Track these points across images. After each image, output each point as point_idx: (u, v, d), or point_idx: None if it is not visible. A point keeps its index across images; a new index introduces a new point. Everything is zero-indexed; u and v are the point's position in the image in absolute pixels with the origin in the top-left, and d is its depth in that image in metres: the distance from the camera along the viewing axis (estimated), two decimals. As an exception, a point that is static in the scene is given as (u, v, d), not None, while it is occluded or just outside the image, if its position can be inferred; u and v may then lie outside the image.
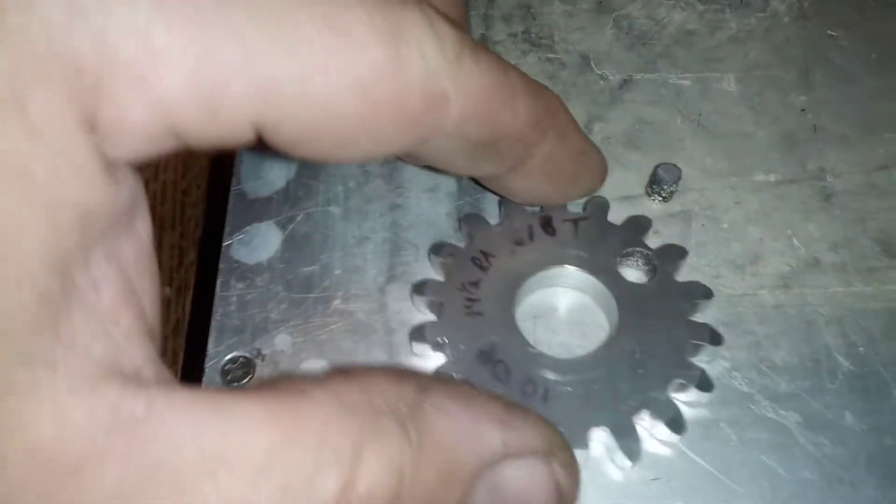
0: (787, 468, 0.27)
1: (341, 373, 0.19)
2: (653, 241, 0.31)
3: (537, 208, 0.31)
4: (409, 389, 0.19)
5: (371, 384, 0.18)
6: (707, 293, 0.30)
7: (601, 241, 0.31)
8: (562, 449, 0.21)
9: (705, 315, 0.30)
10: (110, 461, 0.15)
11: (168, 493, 0.15)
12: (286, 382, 0.18)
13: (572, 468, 0.21)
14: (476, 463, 0.19)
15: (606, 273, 0.30)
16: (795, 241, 0.32)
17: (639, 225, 0.31)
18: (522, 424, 0.20)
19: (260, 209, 0.33)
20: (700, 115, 0.36)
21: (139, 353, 0.17)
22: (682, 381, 0.28)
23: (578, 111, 0.35)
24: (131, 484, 0.15)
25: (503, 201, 0.32)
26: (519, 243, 0.30)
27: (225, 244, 0.32)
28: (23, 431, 0.15)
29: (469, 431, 0.19)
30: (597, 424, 0.27)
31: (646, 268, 0.31)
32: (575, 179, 0.30)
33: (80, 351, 0.16)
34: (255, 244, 0.32)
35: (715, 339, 0.29)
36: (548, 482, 0.20)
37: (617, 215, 0.32)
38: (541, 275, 0.30)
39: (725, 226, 0.33)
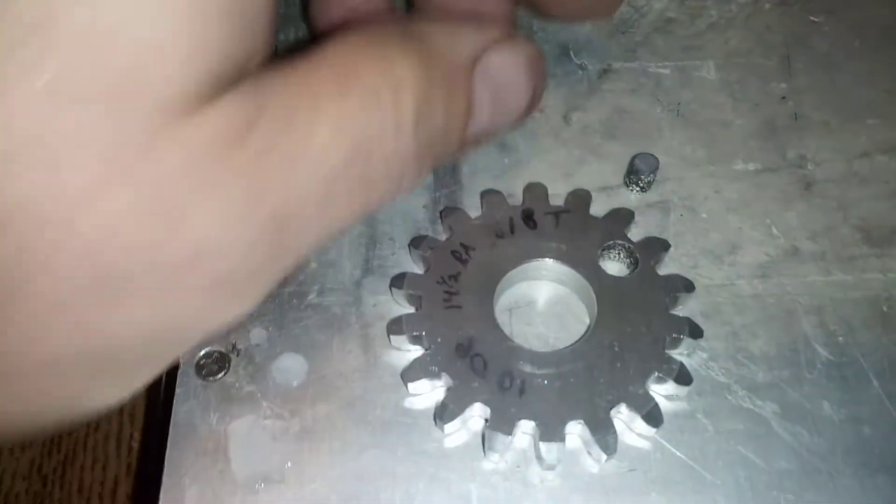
0: (763, 458, 0.27)
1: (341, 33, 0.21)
2: (633, 232, 0.31)
3: (518, 201, 0.31)
4: (401, 19, 0.23)
5: (369, 31, 0.21)
6: (688, 286, 0.30)
7: (582, 234, 0.30)
8: (518, 33, 0.26)
9: (685, 307, 0.30)
10: None
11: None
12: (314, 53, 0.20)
13: (532, 43, 0.25)
14: (467, 55, 0.23)
15: (587, 266, 0.30)
16: (775, 230, 0.32)
17: (620, 218, 0.31)
18: (486, 22, 0.25)
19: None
20: (679, 103, 0.36)
21: None
22: (660, 374, 0.28)
23: (557, 101, 0.35)
24: None
25: (484, 193, 0.32)
26: (500, 236, 0.30)
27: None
28: None
29: (452, 31, 0.23)
30: (573, 418, 0.27)
31: (627, 261, 0.31)
32: None
33: None
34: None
35: (694, 332, 0.29)
36: (522, 57, 0.24)
37: (595, 207, 0.31)
38: (521, 268, 0.30)
39: (704, 215, 0.33)
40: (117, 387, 0.19)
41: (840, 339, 0.30)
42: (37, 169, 0.15)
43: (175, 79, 0.16)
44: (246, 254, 0.18)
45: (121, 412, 0.46)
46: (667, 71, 0.37)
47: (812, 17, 0.39)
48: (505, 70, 0.24)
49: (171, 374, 0.29)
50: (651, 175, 0.32)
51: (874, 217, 0.33)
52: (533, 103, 0.26)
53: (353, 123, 0.19)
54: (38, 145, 0.15)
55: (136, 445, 0.45)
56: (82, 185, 0.15)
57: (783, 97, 0.36)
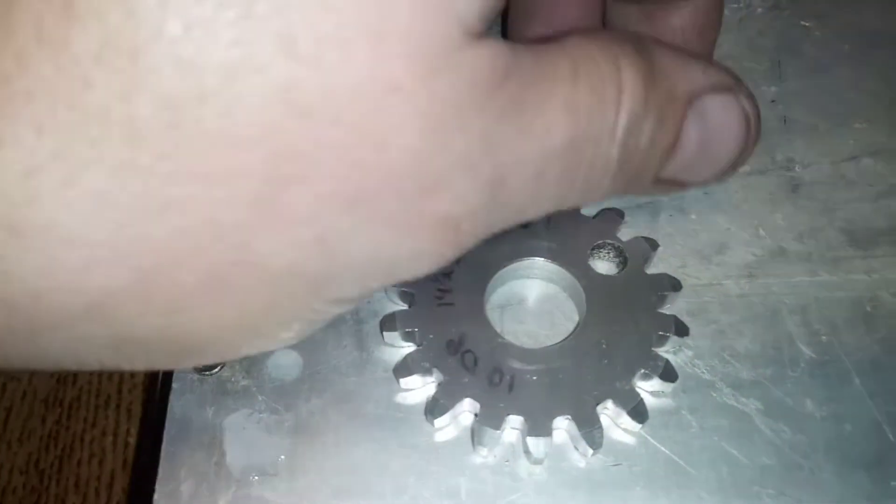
0: (746, 454, 0.28)
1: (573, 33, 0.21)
2: (622, 232, 0.32)
3: None
4: (632, 34, 0.22)
5: (602, 31, 0.21)
6: (675, 285, 0.30)
7: (573, 234, 0.31)
8: (745, 87, 0.25)
9: (673, 306, 0.31)
10: None
11: None
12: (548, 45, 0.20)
13: (754, 101, 0.24)
14: (688, 89, 0.22)
15: (577, 265, 0.31)
16: (762, 231, 0.33)
17: (611, 218, 0.32)
18: (716, 65, 0.24)
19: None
20: (671, 106, 0.36)
21: None
22: (646, 370, 0.28)
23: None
24: None
25: None
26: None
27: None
28: None
29: (681, 63, 0.22)
30: (561, 413, 0.27)
31: (616, 260, 0.31)
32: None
33: None
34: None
35: (680, 330, 0.29)
36: (739, 112, 0.23)
37: (586, 206, 0.32)
38: (512, 266, 0.31)
39: (693, 216, 0.33)
40: (303, 323, 0.19)
41: (823, 338, 0.30)
42: (346, 51, 0.14)
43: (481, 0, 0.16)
44: (470, 195, 0.18)
45: (117, 408, 0.47)
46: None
47: (803, 22, 0.40)
48: (721, 119, 0.23)
49: (167, 372, 0.30)
50: None
51: (859, 219, 0.33)
52: (739, 162, 0.25)
53: (579, 109, 0.19)
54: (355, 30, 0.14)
55: (132, 441, 0.45)
56: (381, 83, 0.15)
57: (773, 101, 0.37)
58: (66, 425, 0.46)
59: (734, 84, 0.24)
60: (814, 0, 0.40)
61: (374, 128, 0.15)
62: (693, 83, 0.22)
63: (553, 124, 0.18)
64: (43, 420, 0.46)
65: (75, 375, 0.47)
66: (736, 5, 0.40)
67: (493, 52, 0.17)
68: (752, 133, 0.25)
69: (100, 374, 0.47)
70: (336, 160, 0.15)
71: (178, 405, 0.29)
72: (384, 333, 0.30)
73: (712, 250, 0.32)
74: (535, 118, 0.18)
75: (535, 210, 0.21)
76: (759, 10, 0.40)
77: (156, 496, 0.27)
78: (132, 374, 0.47)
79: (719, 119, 0.23)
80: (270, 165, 0.15)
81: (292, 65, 0.14)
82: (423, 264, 0.19)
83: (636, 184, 0.23)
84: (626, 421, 0.28)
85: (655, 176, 0.23)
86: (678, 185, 0.25)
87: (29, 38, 0.13)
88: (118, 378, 0.47)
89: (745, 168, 0.35)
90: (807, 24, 0.39)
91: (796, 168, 0.35)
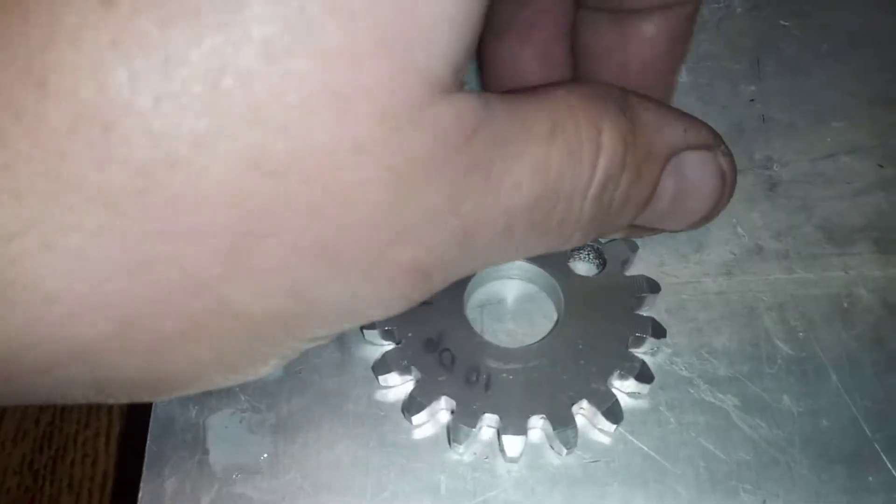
0: (723, 450, 0.28)
1: (558, 84, 0.21)
2: None
3: None
4: (616, 90, 0.22)
5: (587, 86, 0.22)
6: (654, 287, 0.31)
7: None
8: (723, 145, 0.26)
9: (651, 308, 0.31)
10: None
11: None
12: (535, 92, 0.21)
13: (731, 159, 0.26)
14: (667, 147, 0.23)
15: (555, 266, 0.31)
16: (739, 230, 0.33)
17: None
18: (697, 123, 0.25)
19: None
20: (651, 106, 0.37)
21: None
22: (622, 371, 0.28)
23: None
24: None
25: None
26: None
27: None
28: None
29: (662, 121, 0.23)
30: (536, 412, 0.28)
31: (596, 261, 0.31)
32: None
33: None
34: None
35: (658, 332, 0.30)
36: (716, 169, 0.25)
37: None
38: (492, 266, 0.31)
39: (672, 215, 0.34)
40: (279, 359, 0.20)
41: (801, 334, 0.31)
42: (320, 116, 0.15)
43: (447, 54, 0.16)
44: (438, 246, 0.18)
45: (110, 410, 0.47)
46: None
47: (782, 22, 0.40)
48: (697, 175, 0.24)
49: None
50: None
51: (836, 217, 0.34)
52: (712, 215, 0.26)
53: (550, 170, 0.19)
54: (328, 95, 0.15)
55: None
56: (347, 143, 0.16)
57: (752, 100, 0.37)
58: (59, 426, 0.46)
59: (713, 142, 0.25)
60: (793, 0, 0.41)
61: (342, 185, 0.16)
62: (673, 141, 0.23)
63: (522, 183, 0.19)
64: (36, 421, 0.47)
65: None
66: (716, 5, 0.40)
67: (461, 109, 0.17)
68: (727, 189, 0.26)
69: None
70: (306, 216, 0.16)
71: (162, 405, 0.29)
72: (364, 332, 0.30)
73: (690, 249, 0.33)
74: (503, 176, 0.19)
75: (504, 259, 0.21)
76: (739, 9, 0.40)
77: (140, 493, 0.27)
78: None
79: (696, 175, 0.24)
80: (242, 223, 0.16)
81: (260, 132, 0.15)
82: (394, 307, 0.20)
83: (609, 230, 0.24)
84: (602, 421, 0.28)
85: (629, 224, 0.24)
86: (651, 231, 0.26)
87: (5, 115, 0.14)
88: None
89: (725, 167, 0.35)
90: (786, 24, 0.40)
91: (774, 166, 0.35)
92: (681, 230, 0.27)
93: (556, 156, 0.19)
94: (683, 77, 0.38)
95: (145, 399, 0.21)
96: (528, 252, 0.21)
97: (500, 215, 0.19)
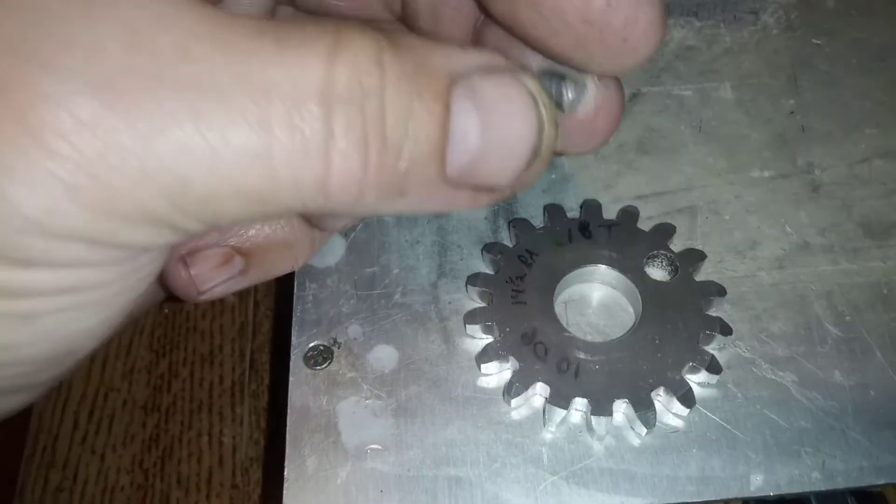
0: (785, 419, 0.32)
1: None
2: (674, 243, 0.36)
3: (577, 215, 0.37)
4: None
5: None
6: (720, 291, 0.35)
7: (631, 244, 0.36)
8: (530, 70, 0.22)
9: (718, 309, 0.35)
10: None
11: None
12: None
13: (542, 85, 0.22)
14: (447, 68, 0.20)
15: (634, 272, 0.35)
16: (788, 228, 0.38)
17: (664, 231, 0.37)
18: (488, 50, 0.22)
19: (325, 221, 0.39)
20: (701, 121, 0.41)
21: None
22: (694, 364, 0.33)
23: (595, 123, 0.41)
24: None
25: (547, 207, 0.37)
26: (560, 244, 0.36)
27: (297, 252, 0.38)
28: None
29: (437, 45, 0.20)
30: (619, 397, 0.32)
31: (669, 268, 0.36)
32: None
33: None
34: (324, 251, 0.38)
35: (725, 330, 0.34)
36: (523, 93, 0.21)
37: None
38: (578, 271, 0.36)
39: (727, 217, 0.38)
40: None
41: (847, 318, 0.35)
42: None
43: None
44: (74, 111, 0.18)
45: (209, 411, 0.52)
46: (689, 93, 0.42)
47: (814, 40, 0.44)
48: (501, 102, 0.21)
49: (285, 366, 0.35)
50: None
51: (874, 214, 0.38)
52: (545, 150, 0.22)
53: (258, 52, 0.18)
54: None
55: (226, 440, 0.50)
56: None
57: (791, 112, 0.41)
58: (164, 428, 0.51)
59: (509, 65, 0.21)
60: (823, 19, 0.45)
61: None
62: (453, 60, 0.20)
63: (198, 56, 0.18)
64: (143, 425, 0.51)
65: (169, 383, 0.52)
66: (753, 27, 0.45)
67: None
68: (546, 115, 0.21)
69: (191, 381, 0.52)
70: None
71: (296, 395, 0.33)
72: (467, 326, 0.34)
73: (746, 246, 0.37)
74: (166, 44, 0.18)
75: (229, 178, 0.19)
76: (775, 31, 0.45)
77: (286, 471, 0.32)
78: (221, 381, 0.52)
79: (499, 103, 0.21)
80: None
81: None
82: (47, 190, 0.18)
83: (421, 183, 0.20)
84: (676, 406, 0.32)
85: (441, 174, 0.20)
86: (482, 188, 0.22)
87: None
88: (208, 385, 0.52)
89: (770, 173, 0.39)
90: (818, 42, 0.44)
91: (816, 171, 0.39)
92: (516, 182, 0.22)
93: (258, 41, 0.18)
94: (729, 94, 0.42)
95: None
96: (256, 160, 0.19)
97: (160, 81, 0.18)
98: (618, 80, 0.26)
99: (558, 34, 0.23)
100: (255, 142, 0.18)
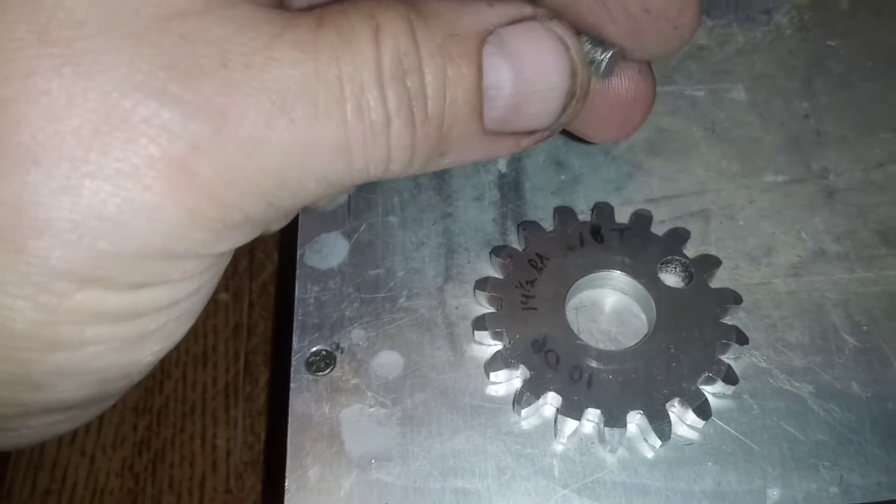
0: (802, 432, 0.32)
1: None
2: (688, 248, 0.35)
3: (588, 218, 0.36)
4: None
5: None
6: (737, 298, 0.34)
7: (644, 249, 0.35)
8: (557, 15, 0.23)
9: (734, 317, 0.34)
10: None
11: None
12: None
13: (570, 27, 0.23)
14: (474, 24, 0.21)
15: (647, 277, 0.34)
16: (803, 234, 0.37)
17: (678, 236, 0.35)
18: (507, 2, 0.22)
19: (327, 221, 0.37)
20: (714, 122, 0.40)
21: None
22: (710, 374, 0.32)
23: (606, 124, 0.40)
24: None
25: (557, 209, 0.36)
26: (571, 248, 0.35)
27: (299, 253, 0.36)
28: None
29: (461, 5, 0.21)
30: (633, 408, 0.31)
31: (683, 274, 0.35)
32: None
33: None
34: (326, 252, 0.36)
35: (741, 339, 0.33)
36: (550, 37, 0.22)
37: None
38: (589, 277, 0.34)
39: (741, 222, 0.37)
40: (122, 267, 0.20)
41: (864, 328, 0.34)
42: None
43: None
44: (182, 138, 0.19)
45: (203, 414, 0.50)
46: (701, 93, 0.41)
47: (828, 42, 0.43)
48: (529, 48, 0.21)
49: (284, 372, 0.33)
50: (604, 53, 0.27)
51: (891, 220, 0.37)
52: (581, 92, 0.23)
53: (319, 47, 0.19)
54: None
55: (219, 444, 0.49)
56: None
57: (806, 115, 0.41)
58: (156, 431, 0.50)
59: (536, 12, 0.22)
60: (837, 20, 0.44)
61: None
62: (480, 18, 0.21)
63: (278, 57, 0.18)
64: (134, 427, 0.50)
65: (161, 384, 0.51)
66: (766, 28, 0.44)
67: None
68: (577, 58, 0.22)
69: (184, 382, 0.51)
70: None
71: (298, 403, 0.32)
72: (475, 332, 0.33)
73: (761, 252, 0.36)
74: (251, 50, 0.18)
75: (311, 153, 0.19)
76: (788, 31, 0.44)
77: (287, 482, 0.30)
78: (214, 383, 0.51)
79: (527, 49, 0.21)
80: None
81: None
82: (174, 219, 0.18)
83: (463, 140, 0.21)
84: (691, 417, 0.31)
85: (480, 129, 0.21)
86: (522, 133, 0.23)
87: None
88: (201, 387, 0.51)
89: (785, 177, 0.38)
90: (832, 44, 0.43)
91: (831, 176, 0.38)
92: (553, 125, 0.23)
93: (324, 36, 0.19)
94: (742, 95, 0.41)
95: None
96: (338, 151, 0.20)
97: (257, 93, 0.18)
98: (650, 67, 0.25)
99: (617, 22, 0.24)
100: (337, 135, 0.20)
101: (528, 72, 0.21)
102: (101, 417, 0.50)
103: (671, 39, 0.25)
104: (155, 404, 0.50)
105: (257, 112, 0.18)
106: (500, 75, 0.21)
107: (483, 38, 0.21)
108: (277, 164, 0.19)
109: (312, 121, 0.19)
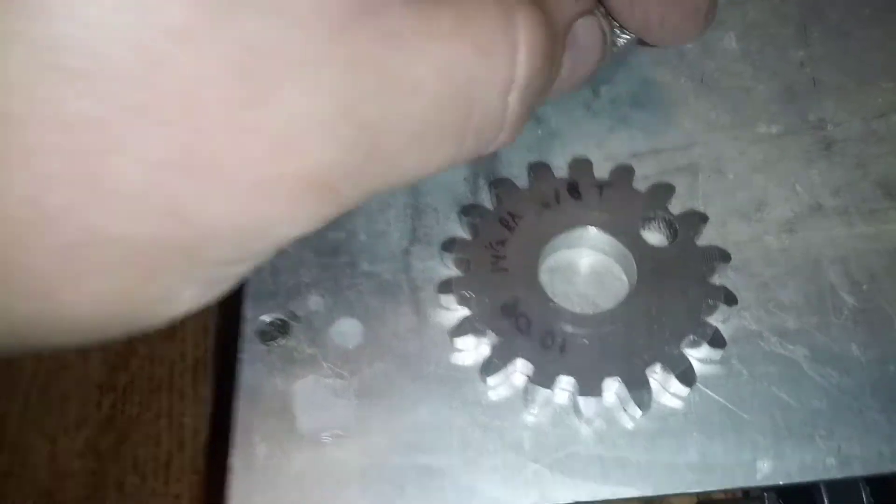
0: (797, 399, 0.29)
1: None
2: (673, 204, 0.33)
3: (565, 174, 0.33)
4: None
5: None
6: (725, 256, 0.31)
7: (625, 206, 0.32)
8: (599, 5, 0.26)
9: (722, 276, 0.31)
10: None
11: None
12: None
13: (608, 19, 0.26)
14: (566, 23, 0.24)
15: (628, 235, 0.32)
16: (798, 188, 0.34)
17: (662, 191, 0.33)
18: None
19: (285, 181, 0.35)
20: (703, 73, 0.37)
21: None
22: (695, 337, 0.29)
23: (585, 74, 0.37)
24: None
25: (532, 165, 0.33)
26: (546, 206, 0.32)
27: (254, 215, 0.34)
28: None
29: (557, 5, 0.23)
30: (610, 375, 0.28)
31: (667, 232, 0.32)
32: None
33: None
34: (283, 214, 0.34)
35: (730, 299, 0.30)
36: (600, 31, 0.26)
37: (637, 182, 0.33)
38: (565, 235, 0.32)
39: (731, 176, 0.34)
40: (196, 286, 0.18)
41: (864, 286, 0.31)
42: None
43: None
44: (335, 155, 0.17)
45: (170, 391, 0.48)
46: (689, 43, 0.38)
47: (825, -13, 0.40)
48: (587, 40, 0.25)
49: (234, 340, 0.31)
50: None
51: (892, 172, 0.34)
52: (593, 76, 0.27)
53: (457, 70, 0.18)
54: None
55: (187, 422, 0.47)
56: (159, 30, 0.14)
57: (801, 64, 0.38)
58: (121, 409, 0.47)
59: (595, 4, 0.25)
60: (834, -35, 0.41)
61: (173, 82, 0.14)
62: (570, 15, 0.24)
63: (424, 84, 0.17)
64: (98, 405, 0.48)
65: (127, 362, 0.48)
66: (759, -27, 0.41)
67: None
68: (608, 47, 0.27)
69: (151, 359, 0.48)
70: (143, 123, 0.14)
71: (247, 374, 0.30)
72: (441, 297, 0.31)
73: (751, 208, 0.33)
74: (401, 75, 0.17)
75: (426, 169, 0.20)
76: (782, -23, 0.41)
77: (232, 459, 0.28)
78: (182, 359, 0.48)
79: (586, 41, 0.25)
80: (66, 138, 0.14)
81: (55, 23, 0.13)
82: (304, 223, 0.18)
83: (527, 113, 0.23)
84: (675, 385, 0.29)
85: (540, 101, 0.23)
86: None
87: None
88: (169, 363, 0.48)
89: (779, 128, 0.36)
90: (828, -11, 0.40)
91: (828, 127, 0.36)
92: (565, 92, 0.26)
93: (463, 52, 0.18)
94: (734, 44, 0.38)
95: (74, 345, 0.19)
96: (448, 160, 0.20)
97: (404, 120, 0.18)
98: None
99: (647, 12, 0.26)
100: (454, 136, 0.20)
101: (579, 62, 0.25)
102: (64, 397, 0.48)
103: (692, 32, 0.28)
104: (120, 381, 0.48)
105: (399, 139, 0.19)
106: (565, 66, 0.24)
107: (567, 30, 0.23)
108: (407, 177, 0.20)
109: (441, 144, 0.20)
